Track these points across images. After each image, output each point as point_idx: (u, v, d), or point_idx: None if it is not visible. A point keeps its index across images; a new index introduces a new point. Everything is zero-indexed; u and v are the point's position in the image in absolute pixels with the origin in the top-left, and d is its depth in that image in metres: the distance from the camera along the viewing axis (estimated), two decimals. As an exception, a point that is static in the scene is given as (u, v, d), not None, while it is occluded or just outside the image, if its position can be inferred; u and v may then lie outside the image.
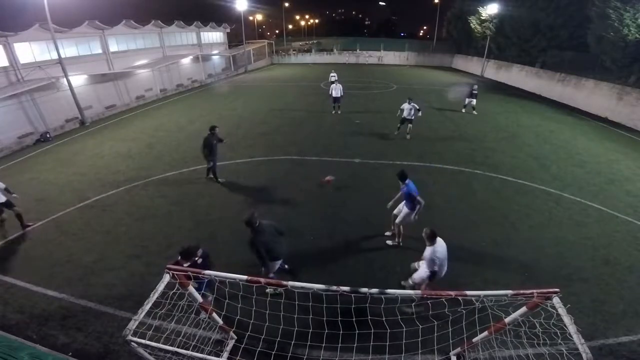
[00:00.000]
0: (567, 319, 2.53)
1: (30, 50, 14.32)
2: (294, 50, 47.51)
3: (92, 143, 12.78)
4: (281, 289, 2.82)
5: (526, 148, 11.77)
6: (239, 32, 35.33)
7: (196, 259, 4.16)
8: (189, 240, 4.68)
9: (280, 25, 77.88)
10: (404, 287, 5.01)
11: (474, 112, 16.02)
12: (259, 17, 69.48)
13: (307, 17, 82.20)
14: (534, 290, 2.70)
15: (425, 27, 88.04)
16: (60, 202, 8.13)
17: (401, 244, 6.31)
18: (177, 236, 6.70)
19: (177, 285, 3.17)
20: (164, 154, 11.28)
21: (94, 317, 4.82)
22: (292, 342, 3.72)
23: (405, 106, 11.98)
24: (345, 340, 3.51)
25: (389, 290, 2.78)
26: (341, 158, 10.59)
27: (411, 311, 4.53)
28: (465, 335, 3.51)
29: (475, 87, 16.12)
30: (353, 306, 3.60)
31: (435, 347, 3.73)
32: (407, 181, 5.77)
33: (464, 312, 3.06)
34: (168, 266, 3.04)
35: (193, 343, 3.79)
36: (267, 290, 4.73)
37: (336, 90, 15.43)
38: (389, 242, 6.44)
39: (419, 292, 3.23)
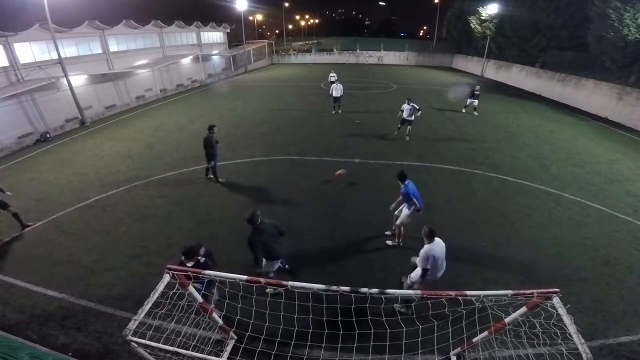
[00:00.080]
0: (567, 319, 2.53)
1: (30, 50, 14.32)
2: (294, 50, 47.49)
3: (92, 143, 12.78)
4: (281, 289, 2.82)
5: (526, 148, 11.78)
6: (239, 32, 35.35)
7: (199, 257, 4.17)
8: (189, 240, 4.67)
9: (280, 25, 77.95)
10: (403, 283, 5.01)
11: (475, 112, 15.98)
12: (259, 17, 69.55)
13: (307, 17, 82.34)
14: (534, 290, 2.70)
15: (425, 27, 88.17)
16: (60, 202, 8.13)
17: (401, 244, 6.31)
18: (177, 236, 6.70)
19: (177, 285, 3.17)
20: (164, 154, 11.28)
21: (94, 317, 4.82)
22: (292, 342, 3.72)
23: (405, 107, 11.96)
24: (345, 340, 3.51)
25: (389, 290, 2.78)
26: (341, 158, 10.58)
27: (405, 310, 4.55)
28: (465, 335, 3.51)
29: (477, 87, 16.07)
30: (353, 306, 3.60)
31: (435, 347, 3.73)
32: (406, 182, 5.77)
33: (464, 312, 3.06)
34: (168, 266, 3.04)
35: (193, 343, 3.79)
36: (267, 290, 4.73)
37: (337, 90, 15.45)
38: (388, 242, 6.45)
39: (419, 292, 3.23)
